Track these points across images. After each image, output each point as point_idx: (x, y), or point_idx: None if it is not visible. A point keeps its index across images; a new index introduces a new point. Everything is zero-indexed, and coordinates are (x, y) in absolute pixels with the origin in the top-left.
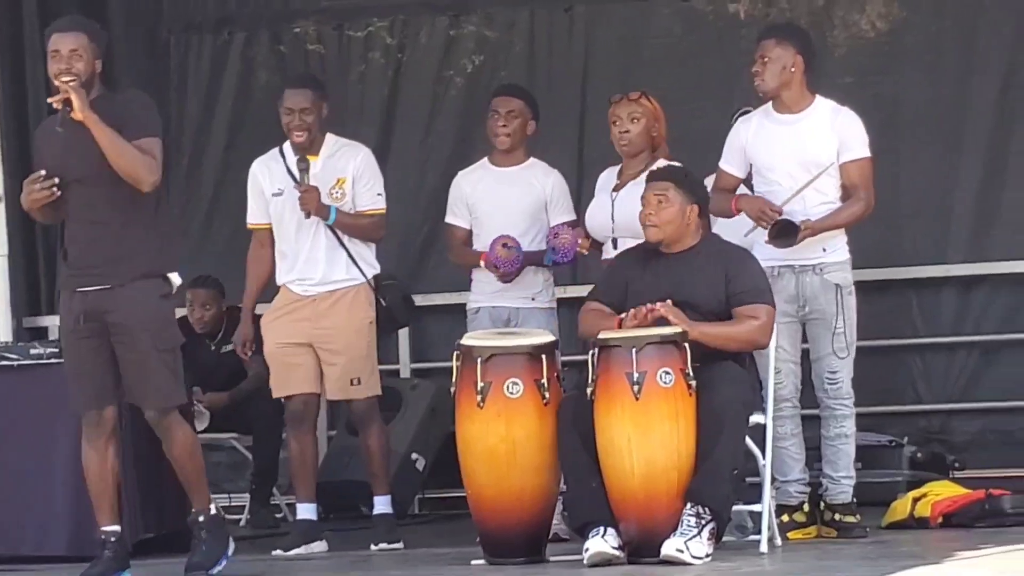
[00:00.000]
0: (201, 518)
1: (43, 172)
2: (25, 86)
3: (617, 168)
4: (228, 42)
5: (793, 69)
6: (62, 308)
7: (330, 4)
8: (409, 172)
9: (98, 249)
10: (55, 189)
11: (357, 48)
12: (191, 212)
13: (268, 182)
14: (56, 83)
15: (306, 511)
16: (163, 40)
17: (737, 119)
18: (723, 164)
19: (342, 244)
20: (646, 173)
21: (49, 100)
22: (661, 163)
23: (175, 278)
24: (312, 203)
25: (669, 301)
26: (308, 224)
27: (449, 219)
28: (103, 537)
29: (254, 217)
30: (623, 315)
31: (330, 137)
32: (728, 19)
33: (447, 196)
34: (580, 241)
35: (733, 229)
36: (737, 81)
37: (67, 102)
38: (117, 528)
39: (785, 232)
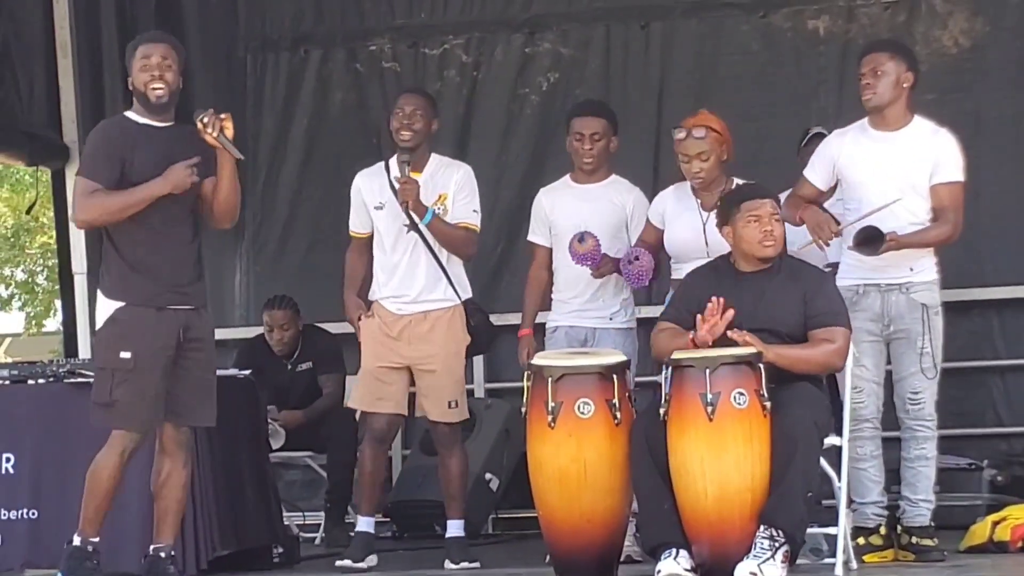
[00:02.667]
0: (174, 553)
1: (198, 159)
2: (103, 100)
3: (682, 187)
4: (304, 60)
5: (905, 85)
6: (142, 325)
7: (406, 22)
8: (484, 191)
9: (186, 269)
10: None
11: (432, 66)
12: (267, 230)
13: (370, 195)
14: (151, 89)
15: (366, 524)
16: (240, 58)
17: (807, 141)
18: (807, 172)
19: (441, 265)
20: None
21: (206, 120)
22: (738, 181)
23: None
24: (411, 194)
25: (744, 332)
26: (407, 240)
27: (530, 237)
28: (90, 548)
29: (355, 226)
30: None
31: (435, 156)
32: (807, 35)
33: (521, 214)
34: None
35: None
36: (815, 98)
37: (223, 129)
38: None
39: (870, 240)
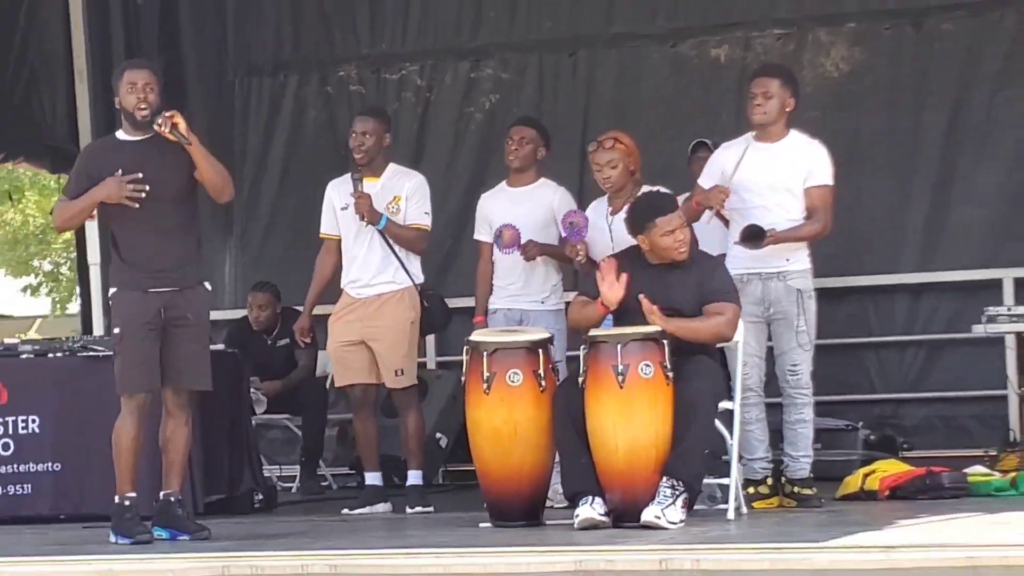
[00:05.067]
0: (181, 498)
1: (140, 175)
2: (113, 117)
3: (603, 201)
4: (283, 84)
5: (787, 109)
6: (127, 305)
7: (369, 51)
8: (434, 195)
9: (168, 256)
10: (141, 195)
11: (392, 89)
12: (251, 229)
13: (338, 199)
14: (137, 110)
15: (372, 478)
16: (229, 81)
17: (692, 148)
18: (701, 181)
19: (394, 253)
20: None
21: (159, 122)
22: (644, 188)
23: (208, 285)
24: (364, 207)
25: (650, 305)
26: (365, 233)
27: (476, 236)
28: (128, 503)
29: (325, 228)
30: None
31: (392, 166)
32: (710, 62)
33: (467, 215)
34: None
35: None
36: (717, 116)
37: (173, 125)
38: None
39: (753, 236)
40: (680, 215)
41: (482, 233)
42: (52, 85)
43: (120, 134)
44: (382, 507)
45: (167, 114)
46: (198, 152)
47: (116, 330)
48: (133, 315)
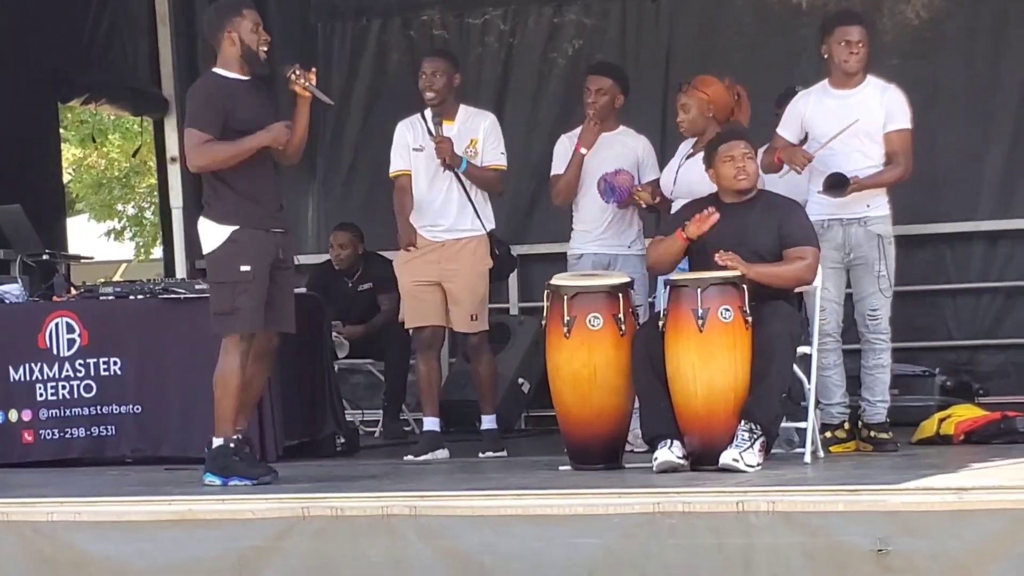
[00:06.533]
0: (249, 436)
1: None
2: (196, 60)
3: (688, 141)
4: (366, 28)
5: (868, 57)
6: (255, 243)
7: None
8: (518, 141)
9: (277, 198)
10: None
11: (475, 33)
12: (334, 173)
13: (411, 138)
14: (261, 49)
15: (431, 424)
16: (312, 25)
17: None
18: (780, 130)
19: (470, 199)
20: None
21: (297, 73)
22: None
23: None
24: (446, 151)
25: (729, 252)
26: (441, 178)
27: (554, 171)
28: (232, 445)
29: (398, 165)
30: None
31: (463, 107)
32: (792, 9)
33: (550, 161)
34: (636, 190)
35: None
36: (797, 63)
37: (309, 80)
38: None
39: (837, 184)
40: (747, 145)
41: (558, 168)
42: (134, 28)
43: (223, 72)
44: (441, 454)
45: (310, 70)
46: (307, 114)
47: (246, 268)
48: (261, 253)
